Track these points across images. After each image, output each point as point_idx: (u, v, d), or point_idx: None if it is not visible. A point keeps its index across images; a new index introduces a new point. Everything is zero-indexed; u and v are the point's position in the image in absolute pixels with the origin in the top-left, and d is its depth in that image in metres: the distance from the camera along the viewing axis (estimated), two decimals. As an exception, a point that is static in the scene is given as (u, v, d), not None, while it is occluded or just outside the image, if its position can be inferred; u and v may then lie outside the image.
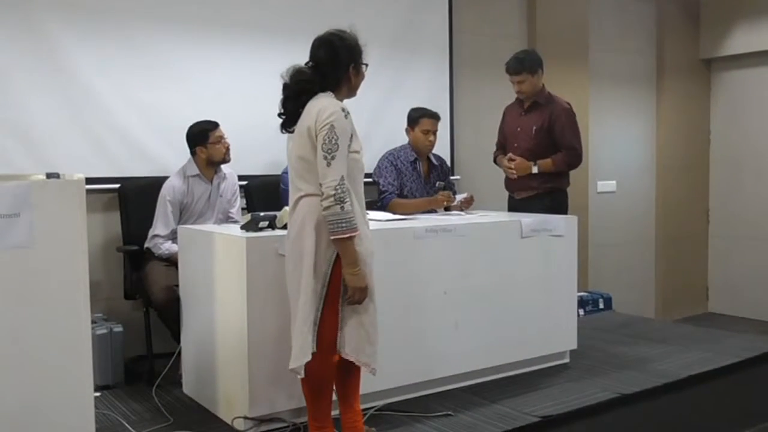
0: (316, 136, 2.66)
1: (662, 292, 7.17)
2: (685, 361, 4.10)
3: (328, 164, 2.62)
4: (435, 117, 4.43)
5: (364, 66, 2.88)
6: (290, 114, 2.82)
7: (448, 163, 5.08)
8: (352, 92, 2.89)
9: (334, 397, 2.93)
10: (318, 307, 2.71)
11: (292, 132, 2.82)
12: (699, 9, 7.25)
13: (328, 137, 2.63)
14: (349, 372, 2.89)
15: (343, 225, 2.62)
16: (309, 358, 2.69)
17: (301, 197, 2.75)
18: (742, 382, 4.12)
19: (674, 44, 7.08)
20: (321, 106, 2.69)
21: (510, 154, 4.58)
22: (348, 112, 2.71)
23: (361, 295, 2.71)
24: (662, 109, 7.11)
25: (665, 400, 3.72)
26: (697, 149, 7.37)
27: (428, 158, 4.52)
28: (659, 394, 3.69)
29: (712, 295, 7.49)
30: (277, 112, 2.86)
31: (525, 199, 4.58)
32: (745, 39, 6.92)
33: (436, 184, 4.50)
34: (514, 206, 4.67)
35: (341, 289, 2.73)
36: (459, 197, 4.30)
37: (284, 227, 3.14)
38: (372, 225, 3.03)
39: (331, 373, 2.81)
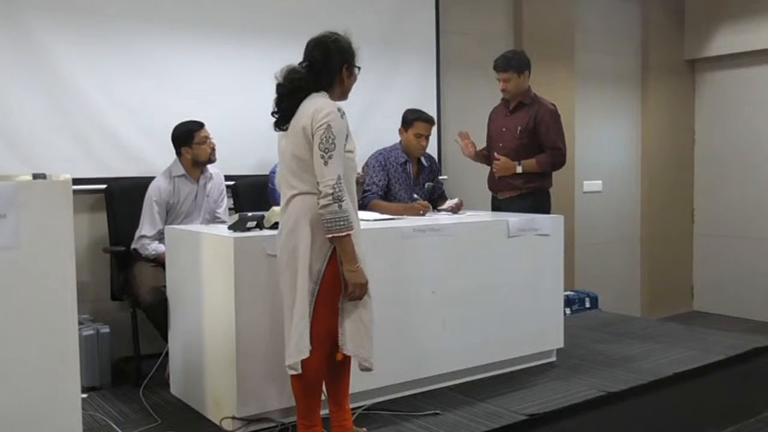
0: (313, 136, 2.67)
1: (648, 291, 7.22)
2: (671, 359, 4.13)
3: (326, 163, 2.64)
4: (429, 121, 4.42)
5: (356, 69, 2.90)
6: (284, 112, 2.82)
7: (437, 162, 5.08)
8: (344, 95, 2.91)
9: (323, 396, 2.93)
10: (311, 303, 2.72)
11: (286, 130, 2.82)
12: (683, 10, 7.30)
13: (325, 136, 2.64)
14: (339, 371, 2.91)
15: (341, 223, 2.64)
16: (306, 355, 2.70)
17: (295, 195, 2.76)
18: (727, 379, 4.16)
19: (659, 45, 7.13)
20: (317, 106, 2.70)
21: (495, 154, 4.61)
22: (343, 112, 2.73)
23: (361, 291, 2.74)
24: (647, 109, 7.16)
25: (651, 398, 3.75)
26: (682, 149, 7.42)
27: (418, 159, 4.53)
28: (645, 391, 3.72)
29: (697, 294, 7.55)
30: (271, 111, 2.86)
31: (508, 199, 4.61)
32: (728, 40, 6.97)
33: (425, 186, 4.51)
34: (497, 206, 4.70)
35: (336, 286, 2.74)
36: (449, 203, 4.30)
37: (272, 227, 3.15)
38: (360, 224, 3.03)
39: (323, 370, 2.82)
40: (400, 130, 4.45)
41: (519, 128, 4.55)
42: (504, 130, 4.64)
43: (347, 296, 2.75)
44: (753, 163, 7.00)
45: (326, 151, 2.64)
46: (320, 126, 2.66)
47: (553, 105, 4.62)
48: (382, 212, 3.99)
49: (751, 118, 7.00)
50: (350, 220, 2.67)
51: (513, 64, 4.53)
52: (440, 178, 4.86)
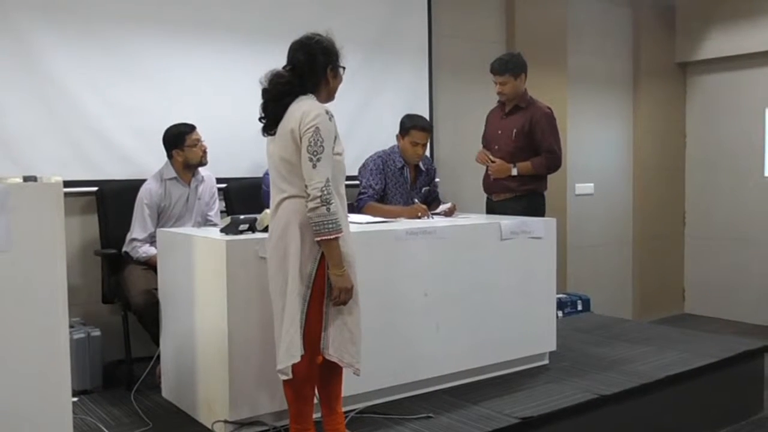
0: (301, 138, 2.66)
1: (639, 294, 7.24)
2: (663, 362, 4.14)
3: (314, 166, 2.63)
4: (426, 130, 4.37)
5: (341, 69, 2.89)
6: (271, 117, 2.81)
7: (434, 165, 5.07)
8: (330, 96, 2.90)
9: (316, 400, 2.92)
10: (303, 308, 2.71)
11: (274, 134, 2.81)
12: (674, 14, 7.34)
13: (314, 139, 2.63)
14: (331, 375, 2.89)
15: (330, 226, 2.63)
16: (298, 359, 2.69)
17: (284, 199, 2.75)
18: (719, 382, 4.17)
19: (650, 48, 7.16)
20: (305, 109, 2.69)
21: (490, 156, 4.62)
22: (332, 115, 2.71)
23: (346, 295, 2.73)
24: (639, 112, 7.19)
25: (643, 401, 3.76)
26: (673, 152, 7.46)
27: (416, 165, 4.51)
28: (637, 394, 3.72)
29: (689, 296, 7.58)
30: (258, 116, 2.86)
31: (503, 201, 4.62)
32: (719, 44, 7.01)
33: (422, 190, 4.50)
34: (492, 208, 4.71)
35: (325, 289, 2.73)
36: (442, 207, 4.29)
37: (265, 230, 3.13)
38: (352, 227, 3.02)
39: (314, 374, 2.81)
40: (397, 135, 4.43)
41: (514, 131, 4.56)
42: (500, 132, 4.64)
43: (332, 300, 2.74)
44: (744, 166, 7.03)
45: (314, 153, 2.63)
46: (308, 129, 2.65)
47: (549, 108, 4.63)
48: (377, 215, 3.99)
49: (741, 121, 7.04)
50: (339, 223, 2.66)
51: (510, 67, 4.53)
52: (435, 181, 4.86)
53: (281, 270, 2.73)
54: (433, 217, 4.11)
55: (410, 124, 4.34)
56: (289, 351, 2.69)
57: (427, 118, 5.32)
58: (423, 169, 4.55)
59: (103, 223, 4.10)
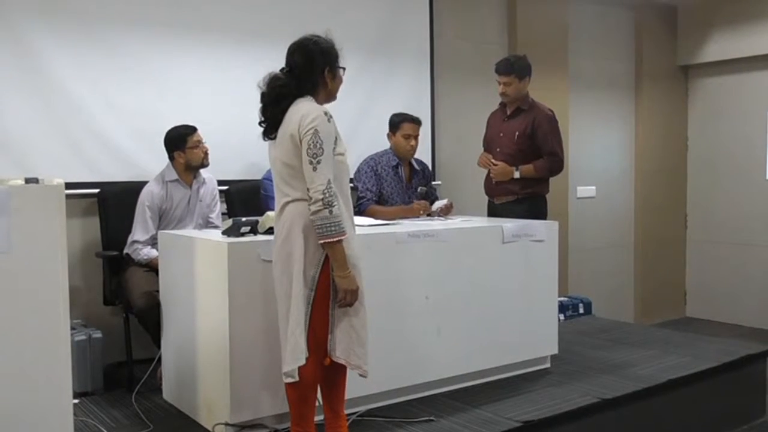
0: (300, 142, 2.66)
1: (641, 297, 7.23)
2: (665, 366, 4.13)
3: (315, 168, 2.62)
4: (416, 122, 4.45)
5: (341, 70, 2.88)
6: (271, 121, 2.81)
7: (429, 168, 5.08)
8: (330, 97, 2.89)
9: (318, 402, 2.91)
10: (307, 311, 2.71)
11: (274, 138, 2.81)
12: (676, 17, 7.33)
13: (313, 142, 2.63)
14: (336, 377, 2.89)
15: (333, 229, 2.62)
16: (303, 362, 2.68)
17: (288, 203, 2.75)
18: (720, 386, 4.16)
19: (652, 51, 7.16)
20: (303, 112, 2.69)
21: (492, 158, 4.62)
22: (330, 116, 2.71)
23: (351, 297, 2.72)
24: (641, 114, 7.18)
25: (645, 404, 3.75)
26: (675, 154, 7.45)
27: (410, 163, 4.54)
28: (639, 398, 3.72)
29: (690, 300, 7.56)
30: (258, 120, 2.85)
31: (505, 204, 4.62)
32: (720, 47, 7.01)
33: (418, 189, 4.50)
34: (493, 211, 4.71)
35: (330, 292, 2.73)
36: (438, 203, 4.30)
37: (266, 232, 3.14)
38: (355, 229, 3.02)
39: (318, 377, 2.80)
40: (388, 134, 4.48)
41: (517, 134, 4.56)
42: (502, 135, 4.64)
43: (338, 302, 2.74)
44: (746, 169, 7.02)
45: (314, 156, 2.63)
46: (307, 131, 2.64)
47: (551, 111, 4.64)
48: (379, 217, 3.99)
49: (743, 123, 7.03)
50: (342, 225, 2.65)
51: (515, 68, 4.54)
52: (434, 183, 4.86)
53: (286, 273, 2.72)
54: (435, 207, 4.14)
55: (399, 119, 4.44)
56: (294, 353, 2.68)
57: (429, 119, 5.33)
58: (418, 168, 4.57)
59: (105, 225, 4.10)
